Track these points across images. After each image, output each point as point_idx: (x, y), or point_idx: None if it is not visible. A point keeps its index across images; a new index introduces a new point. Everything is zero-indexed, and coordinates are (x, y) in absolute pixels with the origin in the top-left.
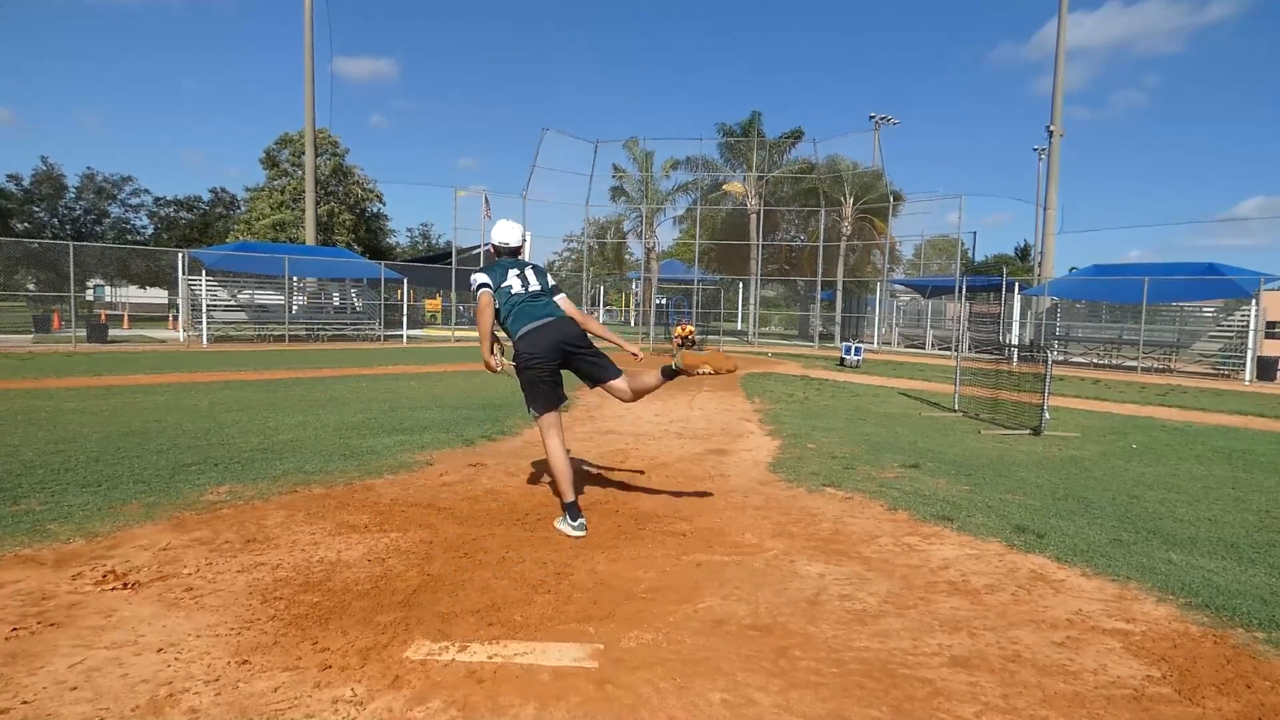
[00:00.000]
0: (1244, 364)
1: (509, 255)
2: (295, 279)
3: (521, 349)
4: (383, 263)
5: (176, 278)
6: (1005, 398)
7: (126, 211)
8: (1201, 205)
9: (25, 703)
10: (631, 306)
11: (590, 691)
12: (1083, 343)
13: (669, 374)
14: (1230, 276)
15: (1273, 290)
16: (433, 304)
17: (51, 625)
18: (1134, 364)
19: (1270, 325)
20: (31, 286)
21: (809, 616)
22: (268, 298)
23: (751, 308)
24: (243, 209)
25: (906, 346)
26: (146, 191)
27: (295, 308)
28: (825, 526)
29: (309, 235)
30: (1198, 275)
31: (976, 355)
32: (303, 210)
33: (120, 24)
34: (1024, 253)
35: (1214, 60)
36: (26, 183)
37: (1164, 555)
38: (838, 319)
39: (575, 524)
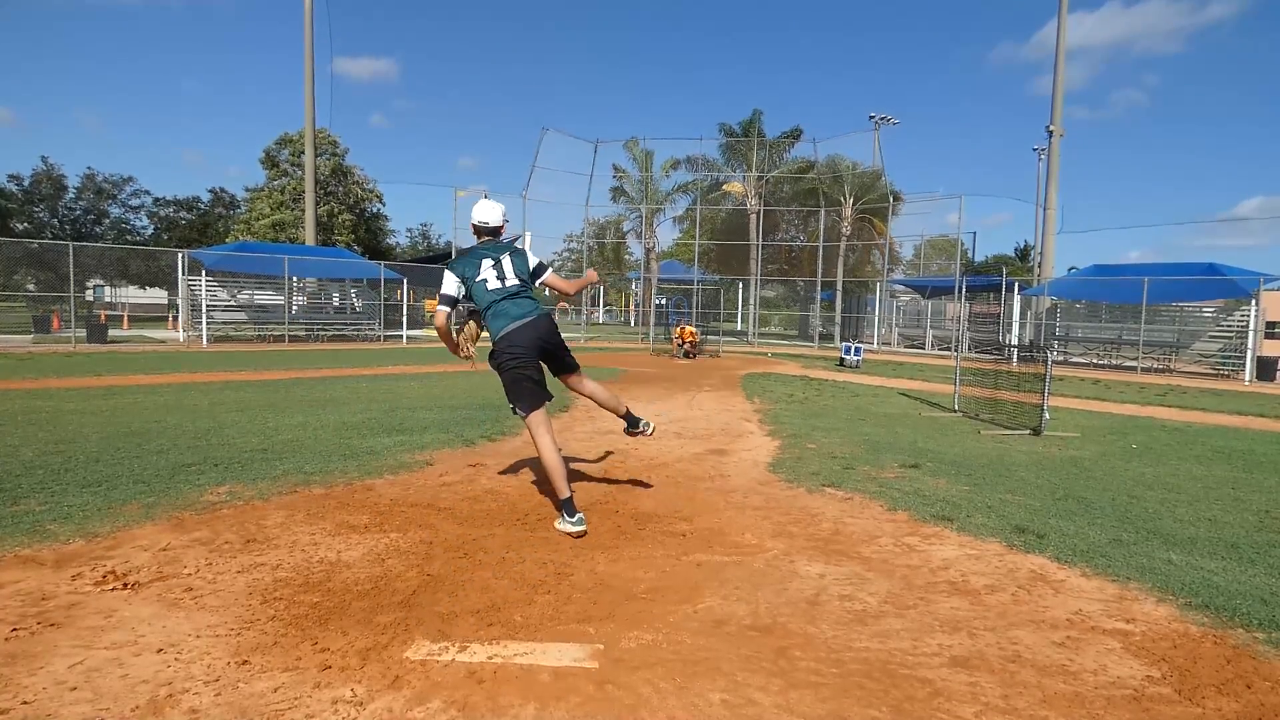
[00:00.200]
0: (1244, 364)
1: (489, 236)
2: (295, 279)
3: (501, 348)
4: (382, 263)
5: (176, 278)
6: (1005, 398)
7: (126, 212)
8: (1201, 205)
9: (25, 703)
10: (631, 307)
11: (590, 692)
12: (1082, 343)
13: (629, 422)
14: (1230, 276)
15: (1272, 290)
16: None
17: (51, 625)
18: (1134, 364)
19: (1270, 325)
20: (31, 287)
21: (809, 617)
22: (267, 298)
23: (751, 308)
24: (242, 209)
25: (906, 347)
26: (146, 192)
27: (295, 308)
28: (825, 527)
29: (309, 235)
30: (1198, 275)
31: (976, 355)
32: (302, 210)
33: (120, 24)
34: (1024, 253)
35: (1214, 60)
36: (26, 183)
37: (1164, 555)
38: (837, 319)
39: (574, 519)
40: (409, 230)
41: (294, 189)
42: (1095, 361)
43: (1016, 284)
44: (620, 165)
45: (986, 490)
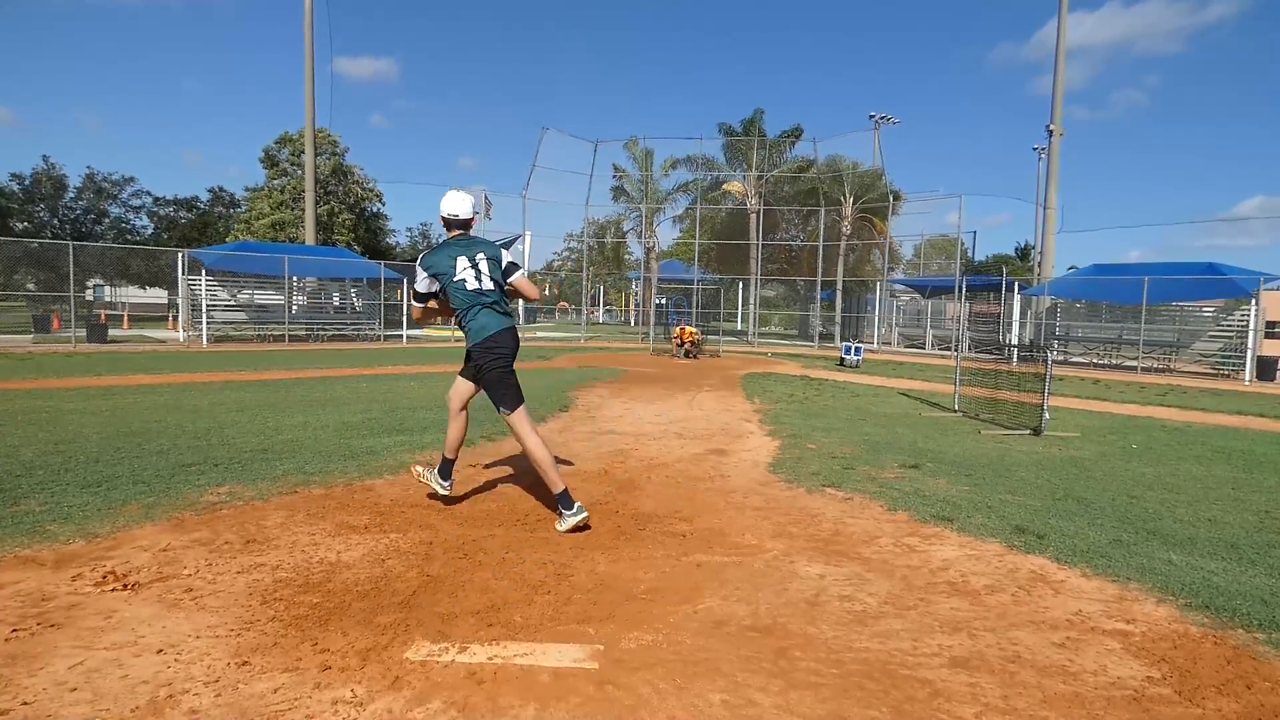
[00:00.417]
0: (1244, 364)
1: (459, 229)
2: (295, 279)
3: (486, 349)
4: (382, 262)
5: (176, 278)
6: (1005, 398)
7: (127, 211)
8: (1201, 205)
9: (25, 704)
10: (631, 306)
11: (590, 692)
12: (1083, 343)
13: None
14: (1230, 276)
15: (1273, 290)
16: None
17: (51, 626)
18: (1134, 364)
19: (1270, 325)
20: (31, 286)
21: (809, 617)
22: (267, 298)
23: (751, 308)
24: (242, 208)
25: (906, 346)
26: (147, 193)
27: (295, 308)
28: (825, 527)
29: (309, 235)
30: (1198, 275)
31: (976, 355)
32: (302, 210)
33: (120, 24)
34: (1024, 252)
35: (1214, 60)
36: (27, 181)
37: (1164, 556)
38: (837, 319)
39: (573, 510)
40: (409, 230)
41: (294, 188)
42: (1095, 361)
43: (1016, 283)
44: (620, 165)
45: (986, 490)
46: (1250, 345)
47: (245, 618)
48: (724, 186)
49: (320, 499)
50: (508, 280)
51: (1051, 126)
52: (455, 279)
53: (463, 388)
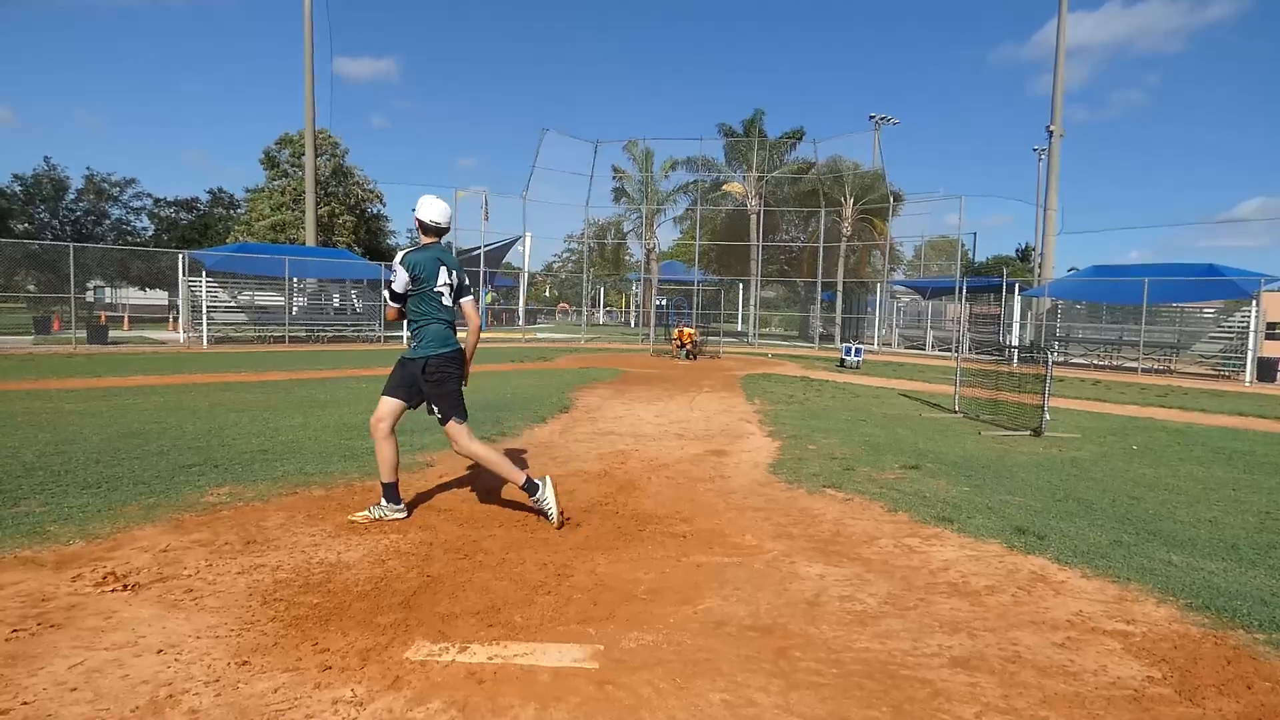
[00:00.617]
0: (1244, 365)
1: (436, 236)
2: (295, 280)
3: (453, 358)
4: (383, 264)
5: (177, 279)
6: (1005, 399)
7: (127, 213)
8: (1201, 205)
9: (25, 704)
10: (631, 308)
11: (590, 692)
12: (1083, 344)
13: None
14: (1230, 277)
15: (1273, 291)
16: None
17: (52, 627)
18: (1134, 365)
19: (1270, 326)
20: (32, 288)
21: (809, 618)
22: (268, 299)
23: (751, 309)
24: (243, 210)
25: (907, 347)
26: (147, 194)
27: (295, 309)
28: (825, 528)
29: (309, 236)
30: (1198, 276)
31: (977, 356)
32: (303, 211)
33: (121, 24)
34: (1024, 254)
35: (1214, 60)
36: (28, 182)
37: (1164, 556)
38: (838, 320)
39: (542, 486)
40: (409, 230)
41: (294, 189)
42: (1095, 362)
43: (1017, 285)
44: (620, 166)
45: (987, 491)
46: (1250, 346)
47: (245, 618)
48: (724, 188)
49: (320, 500)
50: (458, 300)
51: (1051, 127)
52: (435, 288)
53: (392, 407)
